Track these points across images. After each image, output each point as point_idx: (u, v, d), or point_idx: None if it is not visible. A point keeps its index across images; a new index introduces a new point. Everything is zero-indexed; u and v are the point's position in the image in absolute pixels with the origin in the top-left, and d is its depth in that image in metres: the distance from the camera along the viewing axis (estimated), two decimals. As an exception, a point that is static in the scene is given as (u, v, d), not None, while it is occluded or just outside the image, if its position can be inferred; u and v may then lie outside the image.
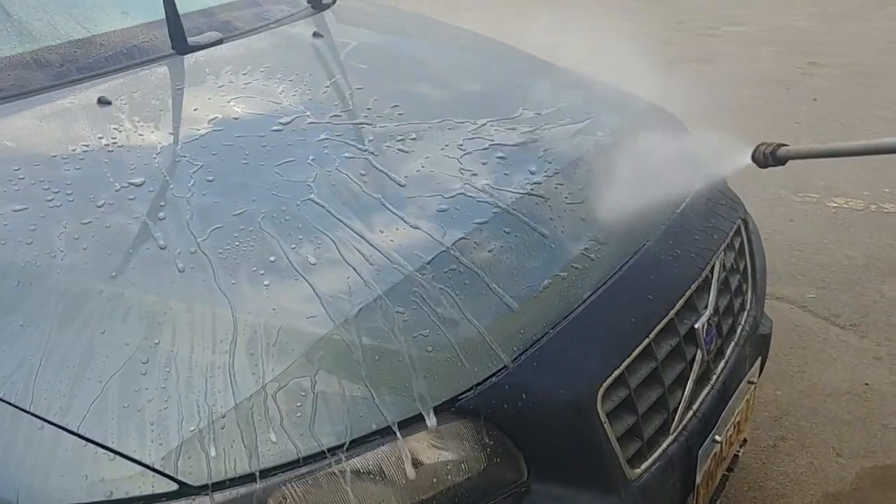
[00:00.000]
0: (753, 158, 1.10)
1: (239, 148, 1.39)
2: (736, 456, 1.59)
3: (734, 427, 1.50)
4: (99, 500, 0.91)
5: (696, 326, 1.37)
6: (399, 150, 1.43)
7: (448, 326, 1.12)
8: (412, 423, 1.05)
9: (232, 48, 1.84)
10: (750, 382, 1.55)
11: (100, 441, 0.93)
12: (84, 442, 0.93)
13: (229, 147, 1.39)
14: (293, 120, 1.48)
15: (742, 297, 1.62)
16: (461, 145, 1.46)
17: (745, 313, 1.62)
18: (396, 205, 1.28)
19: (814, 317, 2.87)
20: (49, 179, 1.26)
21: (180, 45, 1.76)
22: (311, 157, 1.36)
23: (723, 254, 1.52)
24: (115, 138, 1.38)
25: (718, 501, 1.52)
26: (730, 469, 1.56)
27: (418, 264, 1.17)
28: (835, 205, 3.73)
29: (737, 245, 1.62)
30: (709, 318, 1.41)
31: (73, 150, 1.34)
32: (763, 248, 1.96)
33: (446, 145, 1.46)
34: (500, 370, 1.11)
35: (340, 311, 1.08)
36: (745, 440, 1.64)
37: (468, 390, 1.08)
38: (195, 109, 1.55)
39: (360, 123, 1.51)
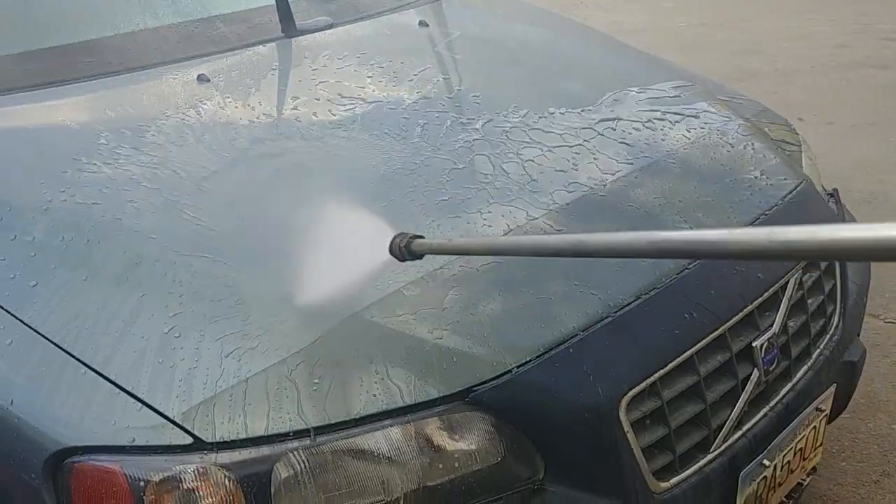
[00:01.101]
0: (391, 251, 1.02)
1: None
2: (800, 484, 1.50)
3: (795, 453, 1.41)
4: (121, 445, 1.00)
5: (755, 345, 1.31)
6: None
7: (472, 316, 1.14)
8: (425, 408, 1.08)
9: (341, 33, 1.92)
10: (819, 410, 1.45)
11: (131, 391, 1.03)
12: (118, 390, 1.03)
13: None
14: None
15: (825, 320, 1.52)
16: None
17: (827, 337, 1.52)
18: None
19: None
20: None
21: (289, 29, 1.86)
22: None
23: (800, 272, 1.43)
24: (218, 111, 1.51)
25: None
26: (790, 496, 1.48)
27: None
28: None
29: (823, 264, 1.52)
30: (771, 338, 1.34)
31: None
32: (869, 270, 1.83)
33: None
34: (520, 365, 1.11)
35: (370, 292, 1.13)
36: (814, 469, 1.54)
37: (483, 382, 1.10)
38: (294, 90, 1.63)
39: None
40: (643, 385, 1.16)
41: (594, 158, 1.47)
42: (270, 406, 1.02)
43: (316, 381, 1.05)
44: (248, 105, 1.55)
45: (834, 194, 1.89)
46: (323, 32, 1.91)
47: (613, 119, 1.62)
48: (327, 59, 1.76)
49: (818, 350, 1.49)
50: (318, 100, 1.57)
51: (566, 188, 1.37)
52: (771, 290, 1.35)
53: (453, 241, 1.00)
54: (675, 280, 1.27)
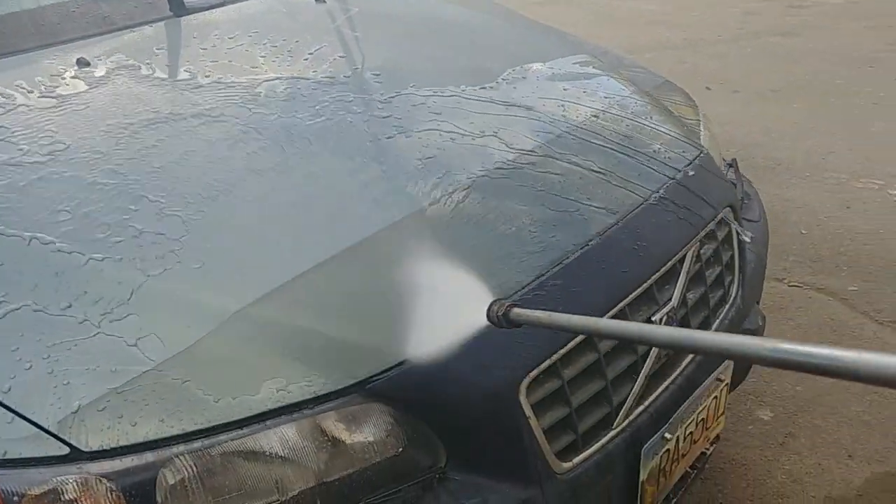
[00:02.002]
0: (488, 317, 0.99)
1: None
2: (704, 453, 1.53)
3: (697, 424, 1.44)
4: (-7, 459, 0.94)
5: (654, 319, 1.32)
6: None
7: (368, 306, 1.10)
8: (320, 402, 1.04)
9: (233, 11, 1.85)
10: (719, 380, 1.48)
11: (1, 401, 0.96)
12: (-12, 402, 0.96)
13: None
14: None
15: (723, 291, 1.55)
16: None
17: (726, 307, 1.55)
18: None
19: (852, 311, 2.73)
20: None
21: (178, 7, 1.78)
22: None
23: (699, 244, 1.44)
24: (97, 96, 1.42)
25: (676, 500, 1.47)
26: (694, 467, 1.50)
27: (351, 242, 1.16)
28: (897, 193, 3.52)
29: (721, 235, 1.54)
30: (670, 312, 1.35)
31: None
32: (767, 238, 1.87)
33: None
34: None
35: (253, 289, 1.08)
36: (717, 437, 1.58)
37: (381, 373, 1.07)
38: (181, 71, 1.56)
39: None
40: (543, 366, 1.15)
41: (495, 135, 1.45)
42: (152, 410, 0.98)
43: (201, 382, 1.00)
44: (130, 89, 1.47)
45: (733, 164, 1.92)
46: (214, 10, 1.83)
47: (514, 95, 1.60)
48: (217, 38, 1.68)
49: (718, 321, 1.52)
50: (206, 80, 1.50)
51: (466, 168, 1.35)
52: (669, 264, 1.36)
53: (552, 316, 0.94)
54: (573, 260, 1.26)
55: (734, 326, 1.56)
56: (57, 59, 1.52)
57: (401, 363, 1.08)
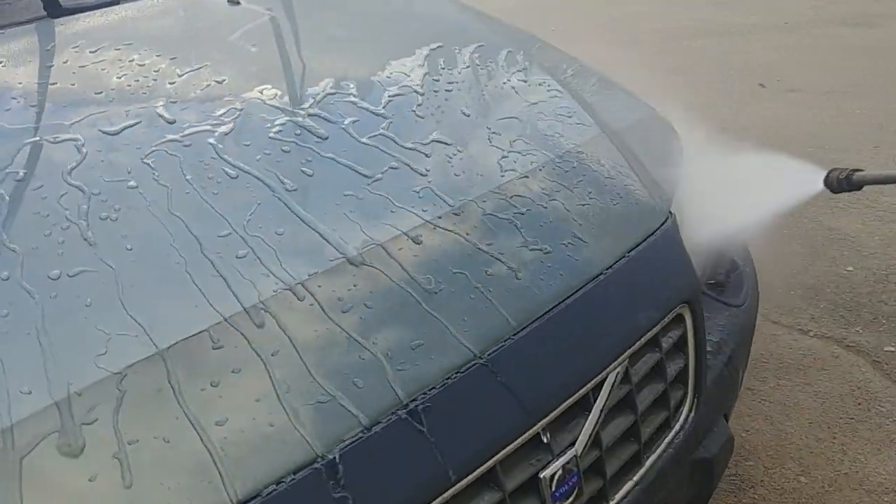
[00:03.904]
0: (826, 183, 1.07)
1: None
2: None
3: None
4: None
5: (543, 475, 0.98)
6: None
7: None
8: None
9: (119, 13, 1.54)
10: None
11: None
12: None
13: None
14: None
15: (667, 413, 1.19)
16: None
17: (670, 434, 1.20)
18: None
19: (885, 378, 2.31)
20: None
21: (53, 6, 1.48)
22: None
23: (626, 363, 1.09)
24: None
25: None
26: None
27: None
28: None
29: (668, 341, 1.18)
30: (573, 460, 1.01)
31: None
32: (753, 324, 1.49)
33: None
34: None
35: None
36: None
37: None
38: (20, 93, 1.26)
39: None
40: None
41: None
42: None
43: None
44: None
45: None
46: (97, 12, 1.53)
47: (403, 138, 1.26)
48: (77, 50, 1.38)
49: (654, 454, 1.17)
50: (33, 107, 1.20)
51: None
52: (572, 399, 1.01)
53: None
54: (424, 399, 0.93)
55: (681, 457, 1.21)
56: None
57: None
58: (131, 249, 0.98)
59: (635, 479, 1.13)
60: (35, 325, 0.88)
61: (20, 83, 1.25)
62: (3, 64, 1.30)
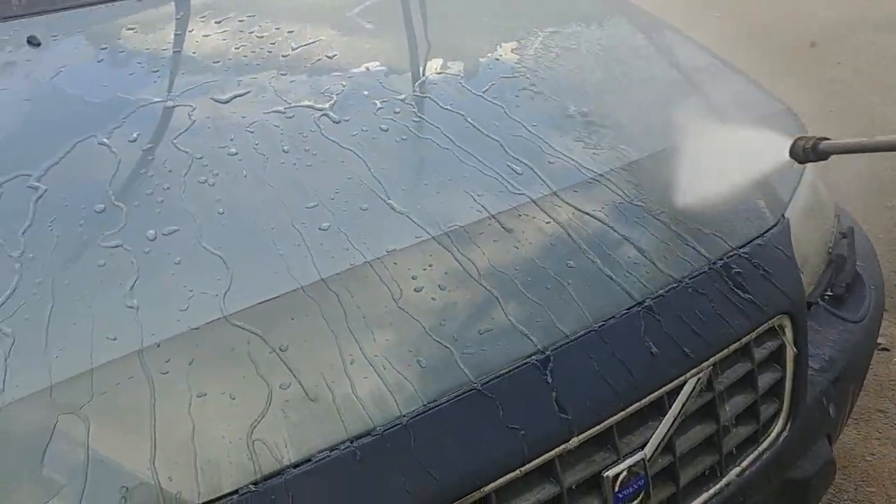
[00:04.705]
0: (792, 153, 1.02)
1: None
2: None
3: None
4: None
5: (606, 475, 0.96)
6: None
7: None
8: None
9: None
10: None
11: None
12: None
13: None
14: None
15: (756, 427, 1.13)
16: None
17: (757, 450, 1.13)
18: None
19: None
20: None
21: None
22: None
23: (709, 370, 1.04)
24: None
25: None
26: None
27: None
28: None
29: (762, 351, 1.12)
30: (640, 463, 0.98)
31: None
32: (873, 341, 1.39)
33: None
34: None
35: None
36: None
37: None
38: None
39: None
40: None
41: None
42: None
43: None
44: (82, 82, 1.27)
45: (847, 235, 1.44)
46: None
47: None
48: (203, 20, 1.45)
49: (738, 468, 1.11)
50: (154, 72, 1.28)
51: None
52: (643, 402, 0.98)
53: (866, 140, 0.98)
54: (489, 383, 0.92)
55: (770, 474, 1.14)
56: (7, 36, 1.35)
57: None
58: (223, 213, 1.03)
59: (712, 490, 1.08)
60: (128, 277, 0.93)
61: (147, 49, 1.33)
62: (134, 30, 1.38)
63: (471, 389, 0.91)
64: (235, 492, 0.81)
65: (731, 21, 5.15)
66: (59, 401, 0.83)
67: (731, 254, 1.12)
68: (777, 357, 1.15)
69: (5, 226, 0.97)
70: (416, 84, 1.33)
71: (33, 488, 0.79)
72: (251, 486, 0.81)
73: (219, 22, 1.44)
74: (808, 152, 0.99)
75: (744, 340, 1.07)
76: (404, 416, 0.88)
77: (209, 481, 0.81)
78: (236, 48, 1.35)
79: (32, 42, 1.30)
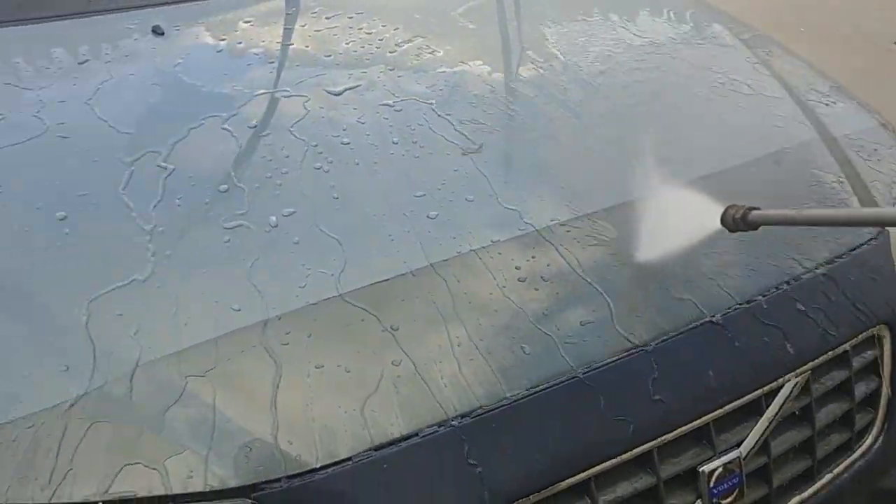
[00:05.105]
0: (723, 222, 0.98)
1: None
2: None
3: None
4: None
5: (702, 470, 0.97)
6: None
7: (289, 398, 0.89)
8: (194, 501, 0.86)
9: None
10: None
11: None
12: None
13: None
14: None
15: (850, 434, 1.13)
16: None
17: (851, 457, 1.13)
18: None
19: None
20: None
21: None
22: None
23: (809, 373, 1.05)
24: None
25: None
26: None
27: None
28: None
29: (860, 360, 1.12)
30: (736, 461, 0.99)
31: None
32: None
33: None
34: (326, 466, 0.86)
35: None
36: None
37: (274, 481, 0.86)
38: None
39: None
40: None
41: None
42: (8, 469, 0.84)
43: (60, 451, 0.84)
44: (202, 70, 1.34)
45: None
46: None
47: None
48: (314, 16, 1.51)
49: (830, 474, 1.11)
50: (270, 63, 1.34)
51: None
52: (741, 401, 0.99)
53: (797, 213, 1.02)
54: (592, 372, 0.95)
55: (862, 482, 1.14)
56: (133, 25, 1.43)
57: (303, 472, 0.85)
58: (337, 198, 1.08)
59: (805, 494, 1.09)
60: (250, 254, 0.99)
61: (262, 41, 1.40)
62: (251, 23, 1.45)
63: (573, 378, 0.94)
64: (349, 459, 0.85)
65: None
66: (188, 365, 0.89)
67: (834, 262, 1.13)
68: (874, 366, 1.14)
69: (138, 200, 1.04)
70: (519, 81, 1.37)
71: (162, 444, 0.85)
72: (365, 454, 0.85)
73: (329, 18, 1.49)
74: (737, 222, 0.97)
75: (843, 348, 1.08)
76: (508, 398, 0.91)
77: (326, 447, 0.85)
78: (346, 43, 1.41)
79: (157, 31, 1.37)
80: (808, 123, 1.41)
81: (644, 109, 1.35)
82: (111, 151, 1.12)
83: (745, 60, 1.58)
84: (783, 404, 1.03)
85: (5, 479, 0.82)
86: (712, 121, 1.36)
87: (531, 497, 0.89)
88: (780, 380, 1.02)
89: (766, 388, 1.01)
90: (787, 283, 1.08)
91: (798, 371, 1.04)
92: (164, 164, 1.10)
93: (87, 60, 1.31)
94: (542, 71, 1.39)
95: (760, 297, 1.05)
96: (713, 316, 1.02)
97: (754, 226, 0.96)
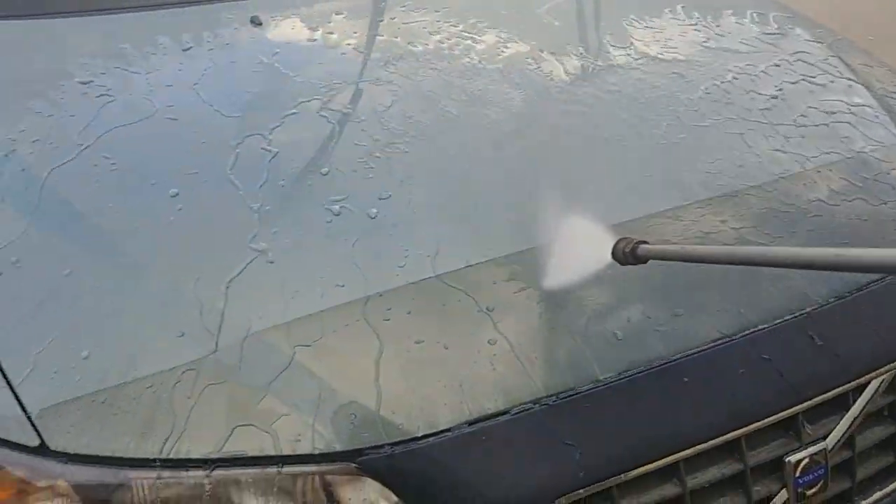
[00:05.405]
0: (614, 255, 0.97)
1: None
2: None
3: None
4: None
5: (789, 460, 0.99)
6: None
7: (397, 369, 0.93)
8: (300, 462, 0.90)
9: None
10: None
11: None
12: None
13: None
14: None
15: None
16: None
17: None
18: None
19: None
20: None
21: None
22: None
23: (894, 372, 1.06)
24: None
25: None
26: None
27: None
28: None
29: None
30: (822, 453, 1.00)
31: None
32: None
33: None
34: (428, 435, 0.90)
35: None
36: None
37: (377, 447, 0.90)
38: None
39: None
40: (591, 490, 0.90)
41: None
42: (130, 424, 0.90)
43: (176, 411, 0.89)
44: (299, 59, 1.39)
45: None
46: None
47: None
48: (403, 10, 1.55)
49: (915, 473, 1.11)
50: (362, 53, 1.39)
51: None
52: (829, 395, 1.00)
53: (686, 248, 1.00)
54: (684, 359, 0.97)
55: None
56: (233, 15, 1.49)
57: (406, 440, 0.89)
58: (430, 184, 1.12)
59: (887, 489, 1.09)
60: (352, 235, 1.03)
61: (354, 32, 1.44)
62: (343, 15, 1.50)
63: (665, 363, 0.96)
64: (449, 429, 0.88)
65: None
66: (296, 335, 0.93)
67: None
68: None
69: (245, 180, 1.09)
70: (603, 77, 1.39)
71: (271, 408, 0.89)
72: (464, 426, 0.89)
73: (416, 11, 1.54)
74: (627, 255, 0.95)
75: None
76: (601, 381, 0.94)
77: (427, 418, 0.89)
78: (433, 36, 1.45)
79: (255, 22, 1.43)
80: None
81: (735, 105, 1.36)
82: (218, 133, 1.17)
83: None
84: (870, 400, 1.03)
85: (128, 434, 0.87)
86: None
87: (622, 476, 0.91)
88: (868, 376, 1.03)
89: (853, 384, 1.02)
90: (878, 280, 1.09)
91: (886, 368, 1.04)
92: (267, 148, 1.15)
93: (190, 48, 1.37)
94: (629, 68, 1.42)
95: (855, 293, 1.07)
96: (805, 311, 1.03)
97: (643, 259, 0.95)
